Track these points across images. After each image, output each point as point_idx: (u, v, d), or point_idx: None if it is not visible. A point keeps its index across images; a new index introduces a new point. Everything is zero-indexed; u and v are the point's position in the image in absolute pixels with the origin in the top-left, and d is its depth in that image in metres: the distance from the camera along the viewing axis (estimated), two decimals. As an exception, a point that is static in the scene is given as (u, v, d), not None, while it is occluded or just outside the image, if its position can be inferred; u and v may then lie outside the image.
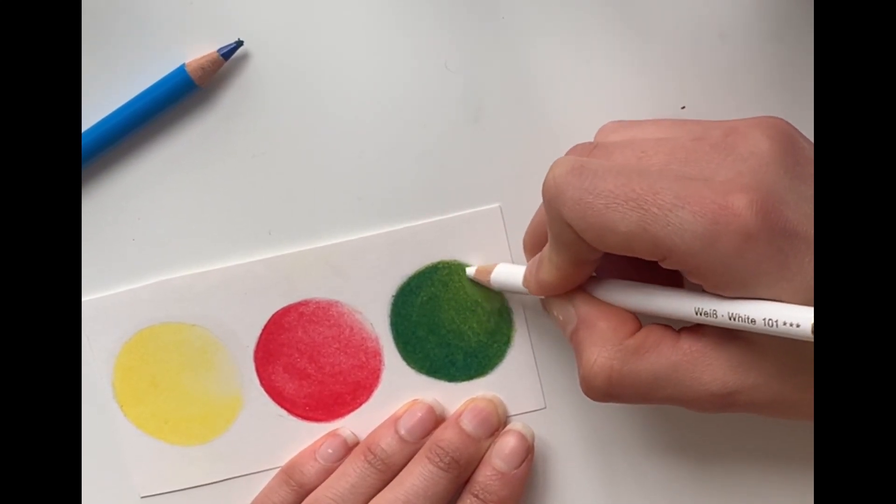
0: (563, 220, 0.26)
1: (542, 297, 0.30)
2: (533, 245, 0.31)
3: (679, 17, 0.32)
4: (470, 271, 0.34)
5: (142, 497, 0.36)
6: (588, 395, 0.28)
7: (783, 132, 0.26)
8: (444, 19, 0.33)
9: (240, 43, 0.33)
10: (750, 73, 0.32)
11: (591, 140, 0.31)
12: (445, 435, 0.33)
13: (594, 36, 0.32)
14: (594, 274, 0.29)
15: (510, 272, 0.32)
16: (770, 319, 0.24)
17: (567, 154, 0.29)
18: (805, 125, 0.27)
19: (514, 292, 0.33)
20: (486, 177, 0.33)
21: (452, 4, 0.33)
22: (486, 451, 0.33)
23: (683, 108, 0.33)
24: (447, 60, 0.33)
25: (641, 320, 0.28)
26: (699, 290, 0.26)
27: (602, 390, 0.28)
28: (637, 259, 0.26)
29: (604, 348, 0.27)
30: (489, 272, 0.33)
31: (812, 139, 0.26)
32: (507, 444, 0.33)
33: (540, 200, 0.32)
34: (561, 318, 0.30)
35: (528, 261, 0.31)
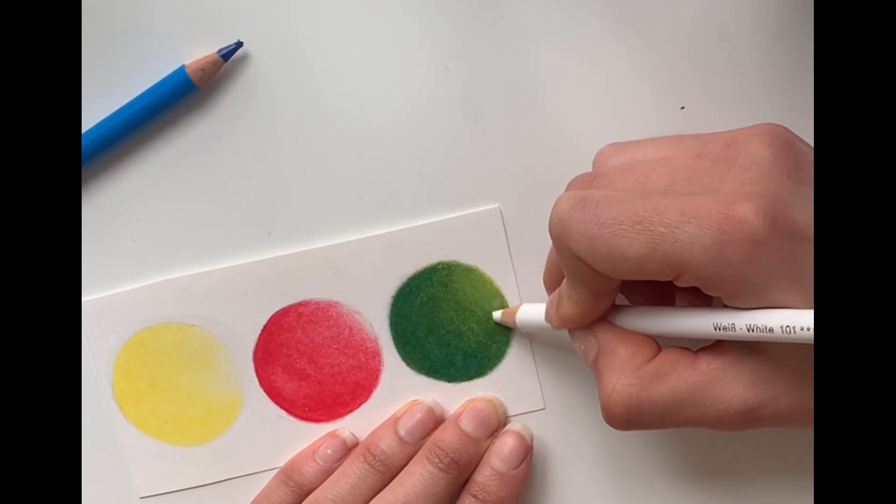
0: (573, 254, 0.26)
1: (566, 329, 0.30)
2: (552, 283, 0.31)
3: (679, 17, 0.32)
4: (496, 315, 0.34)
5: (141, 497, 0.36)
6: (610, 424, 0.28)
7: (782, 138, 0.26)
8: (444, 19, 0.33)
9: (239, 44, 0.33)
10: (750, 74, 0.32)
11: (594, 147, 0.31)
12: (445, 436, 0.33)
13: (594, 36, 0.32)
14: (616, 302, 0.29)
15: (533, 311, 0.32)
16: (787, 326, 0.24)
17: (568, 187, 0.29)
18: (805, 126, 0.27)
19: (540, 330, 0.33)
20: (486, 177, 0.33)
21: (452, 4, 0.33)
22: (486, 451, 0.33)
23: (683, 108, 0.33)
24: (447, 61, 0.33)
25: (664, 343, 0.28)
26: (721, 306, 0.26)
27: (622, 418, 0.27)
28: (656, 282, 0.26)
29: (622, 375, 0.27)
30: (514, 314, 0.33)
31: (812, 140, 0.26)
32: (505, 445, 0.33)
33: (539, 201, 0.32)
34: (583, 347, 0.29)
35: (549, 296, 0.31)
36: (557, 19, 0.32)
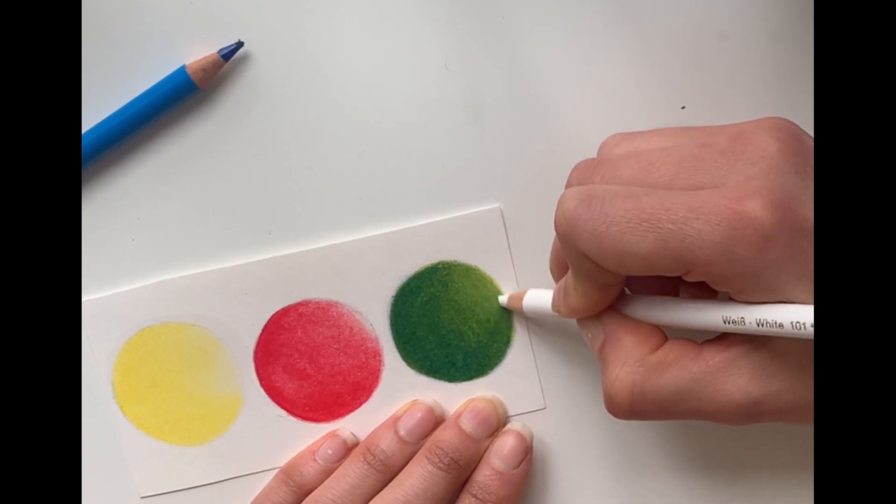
0: (580, 252, 0.26)
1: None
2: (559, 270, 0.31)
3: (679, 17, 0.32)
4: (502, 300, 0.34)
5: (142, 497, 0.36)
6: (612, 413, 0.28)
7: (790, 132, 0.26)
8: (444, 19, 0.33)
9: (240, 44, 0.33)
10: (749, 74, 0.32)
11: (594, 147, 0.31)
12: (445, 435, 0.33)
13: (594, 36, 0.32)
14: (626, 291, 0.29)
15: (540, 297, 0.32)
16: (798, 322, 0.24)
17: (571, 172, 0.29)
18: (805, 126, 0.27)
19: (546, 316, 0.33)
20: (486, 177, 0.33)
21: (452, 4, 0.33)
22: (486, 451, 0.33)
23: (683, 107, 0.33)
24: (447, 60, 0.33)
25: (672, 334, 0.28)
26: (726, 298, 0.26)
27: (624, 407, 0.27)
28: (661, 276, 0.26)
29: (625, 364, 0.27)
30: (520, 299, 0.33)
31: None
32: (505, 444, 0.33)
33: (539, 201, 0.32)
34: (590, 335, 0.29)
35: (556, 283, 0.31)
36: (557, 19, 0.32)
